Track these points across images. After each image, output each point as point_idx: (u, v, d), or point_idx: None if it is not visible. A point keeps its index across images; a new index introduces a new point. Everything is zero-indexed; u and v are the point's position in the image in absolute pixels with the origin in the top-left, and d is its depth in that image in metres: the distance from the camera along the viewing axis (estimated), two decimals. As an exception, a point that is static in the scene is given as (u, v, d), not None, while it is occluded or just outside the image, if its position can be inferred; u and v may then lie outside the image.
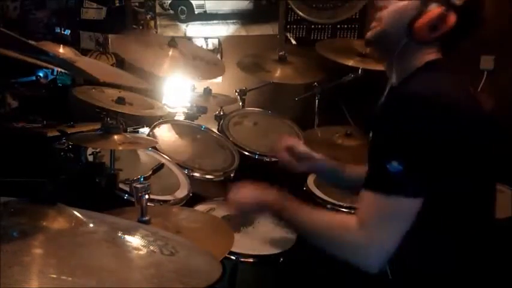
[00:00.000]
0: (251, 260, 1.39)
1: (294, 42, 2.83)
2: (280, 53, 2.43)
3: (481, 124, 1.02)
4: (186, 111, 2.46)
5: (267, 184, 1.23)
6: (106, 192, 1.52)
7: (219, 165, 1.95)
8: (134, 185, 1.21)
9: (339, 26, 2.71)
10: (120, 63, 3.27)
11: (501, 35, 2.13)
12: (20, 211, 0.66)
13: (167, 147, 1.94)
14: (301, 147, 1.44)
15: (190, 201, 1.71)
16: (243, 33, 3.11)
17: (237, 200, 1.26)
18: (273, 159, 1.99)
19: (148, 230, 0.80)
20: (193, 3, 3.25)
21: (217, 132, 2.17)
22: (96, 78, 1.32)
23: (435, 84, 1.00)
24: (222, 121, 2.22)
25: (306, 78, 2.40)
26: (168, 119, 2.28)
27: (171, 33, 3.34)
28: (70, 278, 0.57)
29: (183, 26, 3.34)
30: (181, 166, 1.85)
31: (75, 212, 0.71)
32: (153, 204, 1.46)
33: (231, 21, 3.13)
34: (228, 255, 1.31)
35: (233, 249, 1.26)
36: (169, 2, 3.38)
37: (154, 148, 1.87)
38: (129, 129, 2.25)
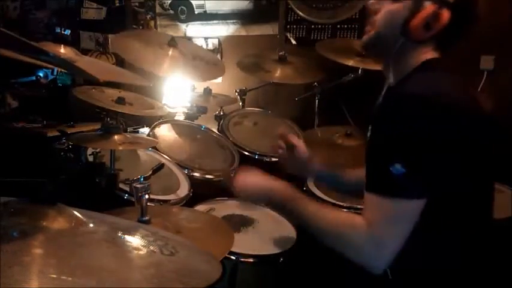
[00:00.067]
0: (251, 260, 1.39)
1: (294, 42, 2.83)
2: (280, 53, 2.42)
3: (481, 124, 1.02)
4: (186, 111, 2.46)
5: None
6: (106, 192, 1.52)
7: (219, 165, 1.95)
8: (134, 185, 1.21)
9: (339, 26, 2.71)
10: (120, 63, 3.27)
11: (501, 35, 2.13)
12: (20, 211, 0.66)
13: (167, 147, 1.94)
14: (303, 149, 1.44)
15: (190, 201, 1.71)
16: (243, 33, 3.11)
17: (243, 184, 1.27)
18: (273, 159, 1.99)
19: (148, 230, 0.80)
20: (193, 3, 3.25)
21: (217, 132, 2.17)
22: (97, 78, 1.32)
23: (434, 84, 1.00)
24: (222, 121, 2.22)
25: (306, 78, 2.40)
26: (168, 119, 2.28)
27: (171, 33, 3.33)
28: (70, 278, 0.57)
29: (183, 26, 3.34)
30: (181, 166, 1.85)
31: (75, 212, 0.71)
32: (153, 204, 1.45)
33: (231, 21, 3.13)
34: (228, 255, 1.31)
35: (233, 249, 1.26)
36: (169, 2, 3.38)
37: (154, 148, 1.87)
38: (129, 129, 2.24)
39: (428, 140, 0.93)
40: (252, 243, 1.44)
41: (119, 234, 0.72)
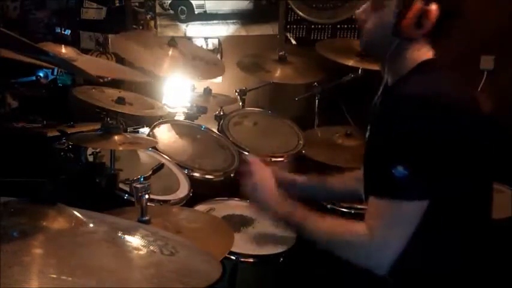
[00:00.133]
0: (251, 260, 1.39)
1: (294, 42, 2.83)
2: (280, 53, 2.42)
3: (481, 124, 1.02)
4: (186, 111, 2.46)
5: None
6: (106, 192, 1.52)
7: (219, 165, 1.95)
8: (134, 185, 1.21)
9: (339, 26, 2.71)
10: (120, 63, 3.27)
11: (501, 35, 2.13)
12: (20, 211, 0.66)
13: (167, 147, 1.94)
14: (281, 173, 1.42)
15: (190, 201, 1.71)
16: (243, 33, 3.11)
17: (255, 188, 1.26)
18: (273, 160, 1.99)
19: (148, 230, 0.80)
20: (193, 3, 3.25)
21: (217, 132, 2.17)
22: (97, 79, 1.32)
23: (434, 85, 1.00)
24: (222, 121, 2.22)
25: (306, 78, 2.40)
26: (168, 119, 2.28)
27: (171, 33, 3.34)
28: (70, 278, 0.57)
29: (183, 26, 3.34)
30: (181, 166, 1.85)
31: (75, 212, 0.71)
32: (153, 204, 1.45)
33: (231, 21, 3.13)
34: (228, 255, 1.31)
35: (233, 249, 1.26)
36: (169, 2, 3.38)
37: (154, 148, 1.87)
38: (129, 129, 2.24)
39: (429, 141, 0.93)
40: (252, 243, 1.44)
41: (119, 234, 0.73)
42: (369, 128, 1.12)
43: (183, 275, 0.67)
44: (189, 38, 3.27)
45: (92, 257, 0.64)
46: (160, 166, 1.62)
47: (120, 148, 1.51)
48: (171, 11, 3.38)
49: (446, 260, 1.00)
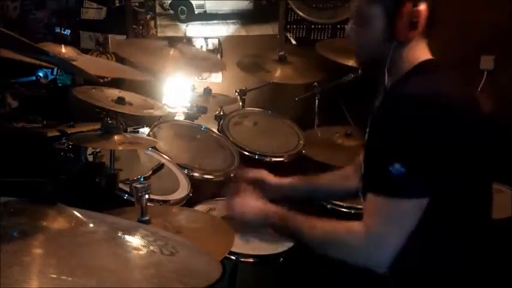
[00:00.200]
0: (251, 260, 1.39)
1: (294, 42, 2.83)
2: (280, 53, 2.42)
3: (481, 124, 1.03)
4: (186, 111, 2.46)
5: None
6: (106, 192, 1.52)
7: (219, 165, 1.95)
8: (134, 185, 1.21)
9: (339, 26, 2.71)
10: (120, 63, 3.27)
11: (501, 35, 2.13)
12: (20, 211, 0.66)
13: (167, 147, 1.94)
14: (269, 178, 1.46)
15: (190, 201, 1.70)
16: (243, 33, 3.11)
17: (240, 209, 1.29)
18: (273, 160, 2.00)
19: (148, 230, 0.80)
20: (193, 3, 3.25)
21: (217, 132, 2.17)
22: (97, 79, 1.32)
23: (434, 85, 1.00)
24: (222, 121, 2.22)
25: (306, 78, 2.40)
26: (168, 119, 2.28)
27: (171, 33, 3.34)
28: (70, 278, 0.57)
29: (183, 26, 3.34)
30: (181, 166, 1.85)
31: (75, 212, 0.71)
32: (153, 204, 1.45)
33: (231, 21, 3.13)
34: (228, 255, 1.31)
35: (233, 249, 1.26)
36: (169, 2, 3.38)
37: (154, 148, 1.87)
38: (129, 129, 2.24)
39: (427, 140, 0.93)
40: (252, 243, 1.44)
41: (119, 234, 0.73)
42: (368, 127, 1.13)
43: (183, 275, 0.67)
44: (189, 38, 3.27)
45: (92, 257, 0.64)
46: (160, 166, 1.62)
47: (120, 148, 1.51)
48: (171, 11, 3.38)
49: (446, 259, 1.00)
